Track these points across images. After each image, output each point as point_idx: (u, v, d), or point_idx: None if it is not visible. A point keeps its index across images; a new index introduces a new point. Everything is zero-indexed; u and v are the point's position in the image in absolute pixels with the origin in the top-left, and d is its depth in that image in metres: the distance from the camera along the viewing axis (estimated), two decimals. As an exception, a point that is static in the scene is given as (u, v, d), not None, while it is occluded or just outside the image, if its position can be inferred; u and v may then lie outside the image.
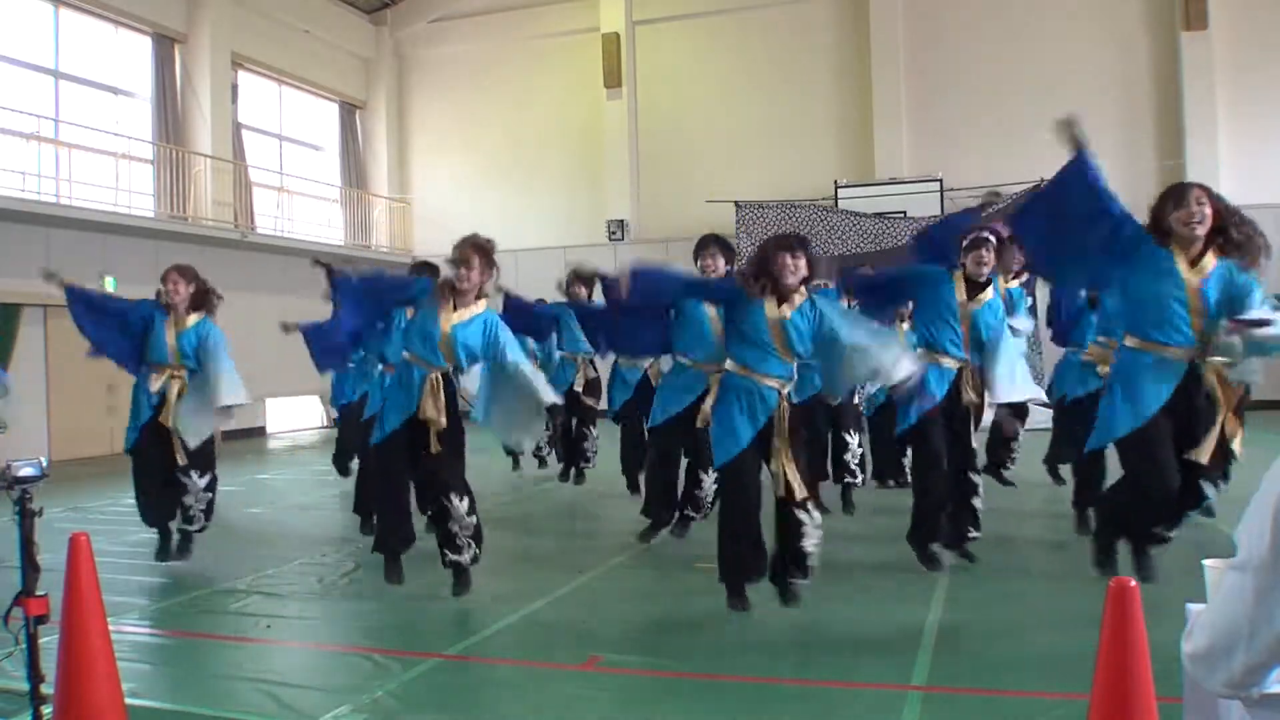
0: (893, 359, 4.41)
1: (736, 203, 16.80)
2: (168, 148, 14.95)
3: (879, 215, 16.07)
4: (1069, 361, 6.72)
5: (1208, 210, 4.18)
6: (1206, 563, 2.12)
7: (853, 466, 7.12)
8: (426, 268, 7.35)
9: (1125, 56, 16.27)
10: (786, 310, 4.40)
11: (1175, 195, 4.27)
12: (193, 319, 6.04)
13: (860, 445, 7.21)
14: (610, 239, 18.44)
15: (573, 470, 8.90)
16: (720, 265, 5.81)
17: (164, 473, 5.90)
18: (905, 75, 17.12)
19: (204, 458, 5.95)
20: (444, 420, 4.89)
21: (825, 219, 16.30)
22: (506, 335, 4.99)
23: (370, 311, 5.26)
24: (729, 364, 4.53)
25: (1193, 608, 1.84)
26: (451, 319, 4.92)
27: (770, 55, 17.88)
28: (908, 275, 5.56)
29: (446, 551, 4.94)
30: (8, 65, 13.33)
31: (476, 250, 4.97)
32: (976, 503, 5.34)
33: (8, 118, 12.78)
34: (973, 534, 5.36)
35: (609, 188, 18.66)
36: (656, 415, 5.93)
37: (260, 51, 17.19)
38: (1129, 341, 4.41)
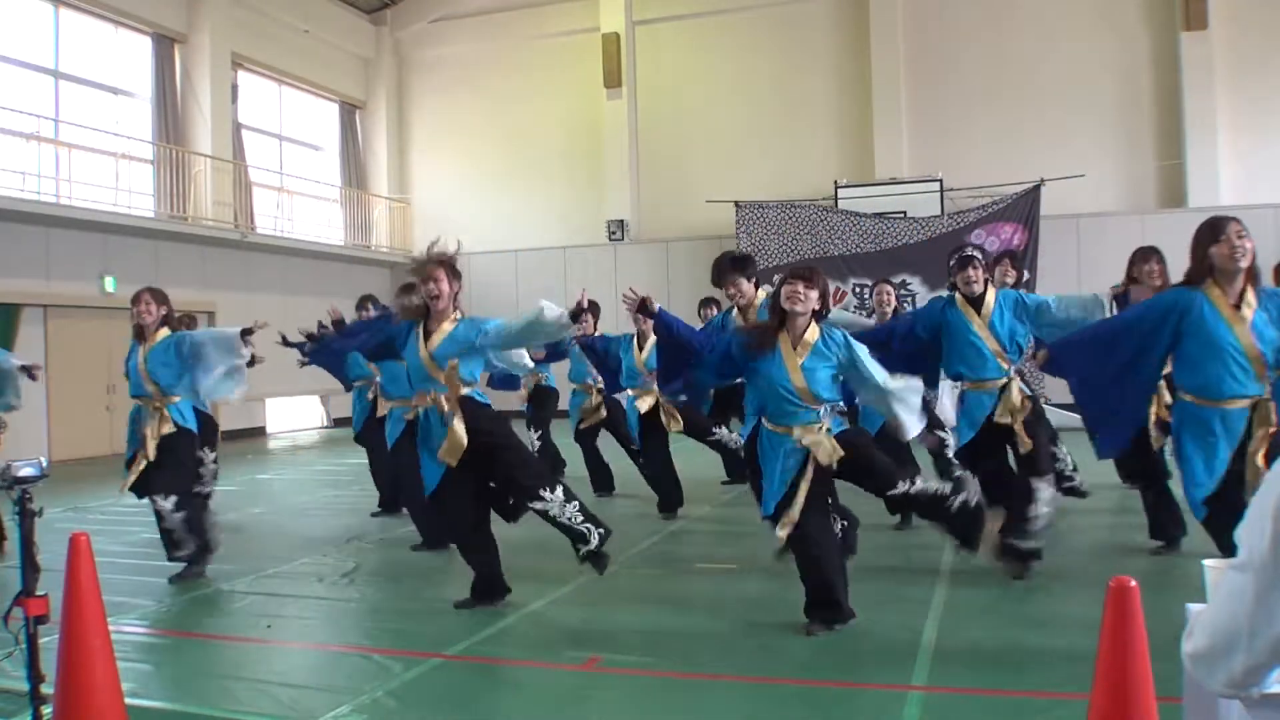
0: (909, 418, 4.36)
1: (736, 203, 16.80)
2: (168, 148, 14.95)
3: (879, 215, 16.08)
4: None
5: (1248, 244, 4.03)
6: (1206, 563, 2.13)
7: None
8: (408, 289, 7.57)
9: (1125, 57, 16.26)
10: (802, 354, 4.23)
11: (1212, 228, 4.10)
12: (161, 334, 5.76)
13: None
14: (610, 239, 18.45)
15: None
16: (746, 289, 5.57)
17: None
18: (905, 75, 17.12)
19: (168, 479, 5.69)
20: (469, 439, 4.66)
21: (825, 219, 16.31)
22: (488, 323, 4.83)
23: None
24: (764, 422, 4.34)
25: (1193, 608, 1.84)
26: (431, 345, 4.75)
27: (770, 55, 17.88)
28: (914, 324, 5.44)
29: (578, 545, 4.72)
30: (8, 65, 13.33)
31: (440, 265, 4.78)
32: (1031, 511, 5.06)
33: (8, 118, 12.78)
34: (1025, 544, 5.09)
35: (609, 188, 18.67)
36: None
37: (260, 51, 17.20)
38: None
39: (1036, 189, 15.34)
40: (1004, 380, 5.12)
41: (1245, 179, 15.47)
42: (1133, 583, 2.10)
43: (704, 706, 3.56)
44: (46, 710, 2.95)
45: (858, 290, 15.92)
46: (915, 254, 15.66)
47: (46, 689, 2.96)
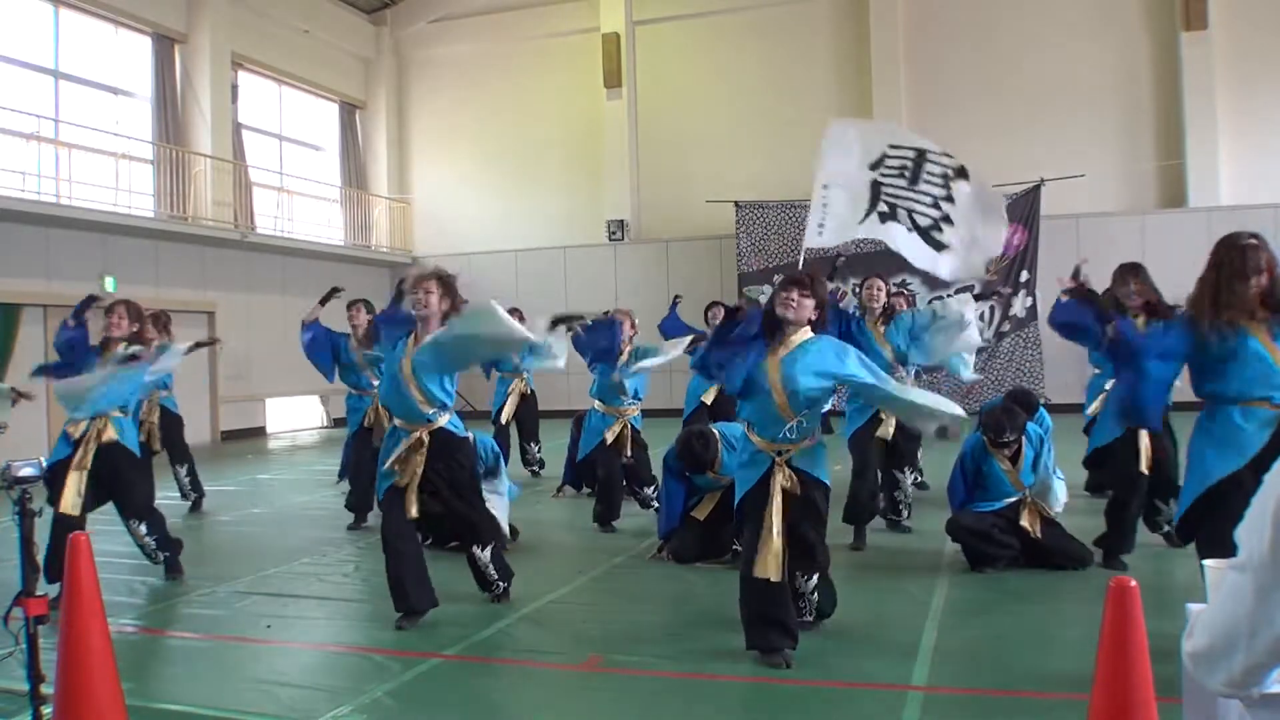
0: (939, 417, 4.12)
1: (736, 203, 16.80)
2: (168, 148, 14.95)
3: (879, 215, 16.06)
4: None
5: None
6: (1206, 563, 2.13)
7: (900, 507, 6.61)
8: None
9: (1125, 56, 16.27)
10: (781, 352, 3.98)
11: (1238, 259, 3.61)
12: (116, 351, 5.62)
13: (913, 485, 6.80)
14: (610, 239, 18.44)
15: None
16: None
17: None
18: (905, 75, 17.12)
19: (138, 505, 5.56)
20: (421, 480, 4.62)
21: (825, 219, 16.29)
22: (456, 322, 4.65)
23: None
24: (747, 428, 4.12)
25: (1193, 608, 1.84)
26: (411, 354, 4.59)
27: (770, 55, 17.88)
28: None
29: (482, 589, 4.99)
30: (8, 65, 13.32)
31: (435, 277, 4.65)
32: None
33: (8, 118, 12.78)
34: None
35: (609, 188, 18.66)
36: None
37: (260, 51, 17.20)
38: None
39: (1036, 189, 15.34)
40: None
41: (1245, 179, 15.47)
42: (1133, 583, 2.10)
43: (704, 706, 3.56)
44: (46, 710, 2.95)
45: (857, 291, 15.91)
46: (915, 254, 15.64)
47: (46, 689, 2.96)
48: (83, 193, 13.40)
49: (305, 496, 9.39)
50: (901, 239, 5.78)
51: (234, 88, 16.36)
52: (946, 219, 5.70)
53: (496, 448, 6.55)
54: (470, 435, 5.15)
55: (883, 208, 5.75)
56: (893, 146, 5.86)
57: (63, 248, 13.12)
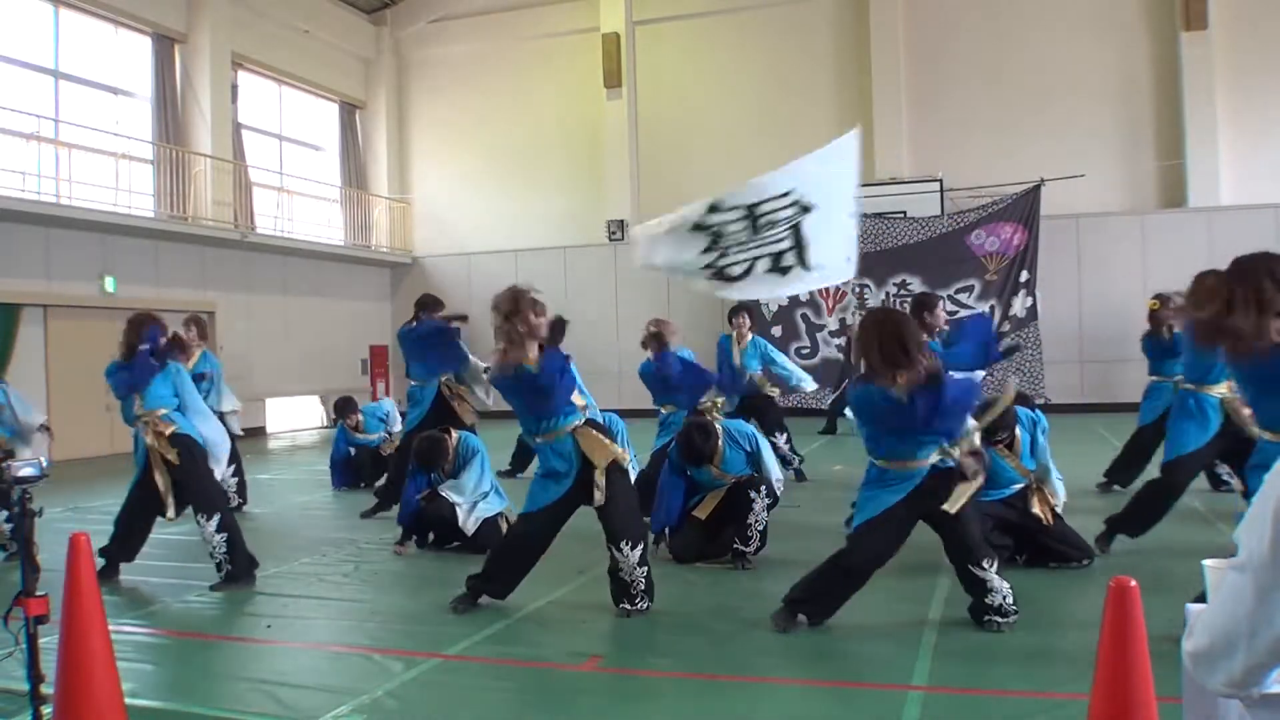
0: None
1: (736, 203, 16.79)
2: (168, 148, 14.95)
3: (879, 215, 16.07)
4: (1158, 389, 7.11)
5: None
6: (1206, 563, 2.12)
7: None
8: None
9: (1125, 57, 16.27)
10: (903, 383, 4.12)
11: None
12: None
13: None
14: (610, 239, 18.44)
15: None
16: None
17: (146, 515, 5.70)
18: (905, 76, 17.12)
19: (205, 500, 5.56)
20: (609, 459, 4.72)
21: (825, 219, 16.27)
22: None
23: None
24: (878, 461, 4.30)
25: (1193, 608, 1.84)
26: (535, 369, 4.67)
27: (770, 55, 17.89)
28: None
29: (623, 603, 4.67)
30: (8, 65, 13.33)
31: (518, 297, 4.72)
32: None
33: (8, 118, 12.78)
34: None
35: (609, 188, 18.66)
36: None
37: (260, 51, 17.20)
38: None
39: (1036, 189, 15.34)
40: None
41: (1245, 179, 15.47)
42: (1133, 583, 2.10)
43: (704, 706, 3.56)
44: (46, 710, 2.94)
45: (857, 290, 15.92)
46: (915, 254, 15.67)
47: (46, 689, 2.95)
48: (83, 193, 13.41)
49: (305, 496, 9.39)
50: (762, 286, 5.94)
51: (234, 88, 16.38)
52: (798, 248, 5.81)
53: (482, 447, 6.58)
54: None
55: (734, 272, 5.90)
56: (713, 210, 5.98)
57: (63, 248, 13.13)
